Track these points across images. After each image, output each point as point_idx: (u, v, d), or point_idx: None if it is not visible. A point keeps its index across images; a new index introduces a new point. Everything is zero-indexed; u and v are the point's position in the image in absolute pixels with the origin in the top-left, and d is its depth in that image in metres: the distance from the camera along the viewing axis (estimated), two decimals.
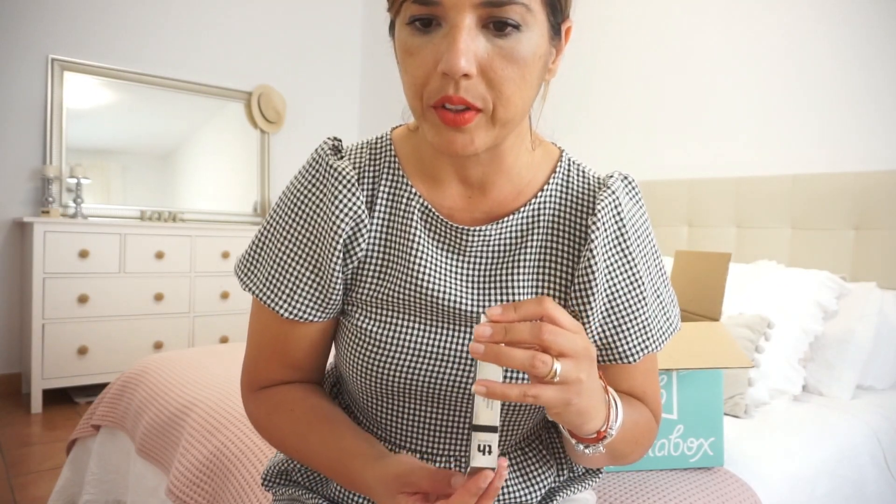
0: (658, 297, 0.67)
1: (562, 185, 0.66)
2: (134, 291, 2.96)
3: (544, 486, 0.70)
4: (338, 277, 0.64)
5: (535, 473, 0.69)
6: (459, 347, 0.64)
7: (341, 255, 0.63)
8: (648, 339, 0.66)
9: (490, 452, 0.48)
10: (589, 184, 0.66)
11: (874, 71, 1.97)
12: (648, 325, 0.65)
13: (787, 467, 1.16)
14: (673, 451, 1.06)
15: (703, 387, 1.06)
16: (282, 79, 3.86)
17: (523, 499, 0.68)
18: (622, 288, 0.63)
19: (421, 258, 0.63)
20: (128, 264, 2.94)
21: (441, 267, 0.64)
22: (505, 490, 0.67)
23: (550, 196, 0.65)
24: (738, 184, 2.21)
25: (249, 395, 0.72)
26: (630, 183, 0.66)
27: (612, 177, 0.65)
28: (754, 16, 2.27)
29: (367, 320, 0.65)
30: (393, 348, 0.63)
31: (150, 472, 1.37)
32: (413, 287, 0.63)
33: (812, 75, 2.11)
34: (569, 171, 0.67)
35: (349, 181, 0.63)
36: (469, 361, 0.64)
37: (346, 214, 0.62)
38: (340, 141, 0.68)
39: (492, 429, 0.49)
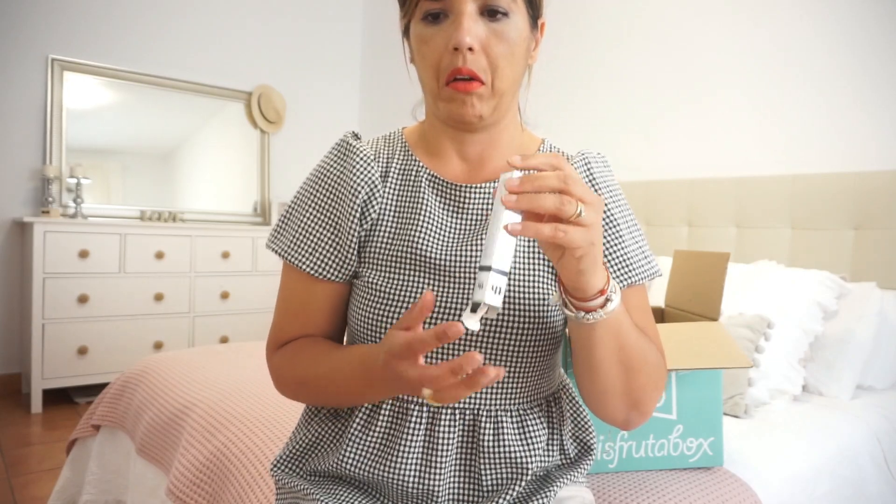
0: (636, 242, 0.77)
1: None
2: (134, 291, 2.96)
3: (539, 445, 0.75)
4: (354, 237, 0.74)
5: (532, 434, 0.75)
6: (452, 300, 0.70)
7: (358, 216, 0.74)
8: (631, 270, 0.74)
9: (500, 293, 0.53)
10: (566, 156, 0.80)
11: (874, 71, 1.97)
12: (629, 260, 0.75)
13: (786, 467, 1.16)
14: (672, 451, 1.06)
15: (702, 387, 1.06)
16: (282, 79, 3.87)
17: (521, 457, 0.73)
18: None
19: (426, 218, 0.73)
20: (128, 264, 2.94)
21: (442, 226, 0.74)
22: (504, 447, 0.73)
23: None
24: (738, 184, 2.21)
25: (274, 354, 0.79)
26: (602, 156, 0.79)
27: (583, 149, 0.79)
28: (755, 15, 2.27)
29: (376, 275, 0.73)
30: (398, 300, 0.71)
31: (150, 472, 1.37)
32: (415, 244, 0.73)
33: (812, 75, 2.11)
34: (550, 150, 0.82)
35: (366, 156, 0.75)
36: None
37: (363, 181, 0.74)
38: (359, 134, 0.80)
39: (505, 273, 0.53)
